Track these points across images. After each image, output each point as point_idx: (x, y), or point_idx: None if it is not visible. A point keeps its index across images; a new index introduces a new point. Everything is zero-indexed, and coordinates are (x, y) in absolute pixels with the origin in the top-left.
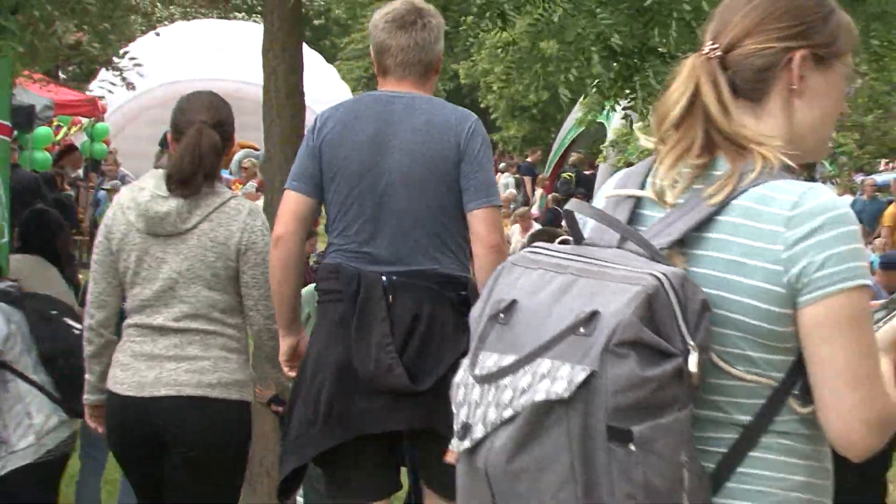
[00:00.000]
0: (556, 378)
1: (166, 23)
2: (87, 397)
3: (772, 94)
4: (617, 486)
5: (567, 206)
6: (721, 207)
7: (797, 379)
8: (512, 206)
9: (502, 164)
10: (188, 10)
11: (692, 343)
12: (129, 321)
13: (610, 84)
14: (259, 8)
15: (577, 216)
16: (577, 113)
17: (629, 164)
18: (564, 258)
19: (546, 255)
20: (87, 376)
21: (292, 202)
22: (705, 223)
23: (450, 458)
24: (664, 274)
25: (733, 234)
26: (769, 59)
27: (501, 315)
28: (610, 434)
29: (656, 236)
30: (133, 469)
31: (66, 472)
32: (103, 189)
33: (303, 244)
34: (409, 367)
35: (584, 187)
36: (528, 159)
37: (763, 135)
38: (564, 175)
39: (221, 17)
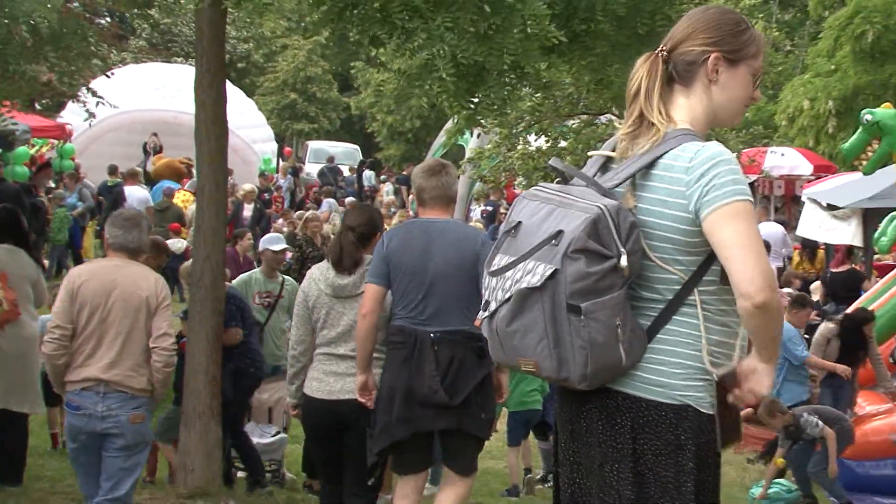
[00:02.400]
0: (534, 273)
1: (120, 65)
2: (290, 400)
3: (696, 81)
4: (574, 341)
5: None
6: (653, 162)
7: (704, 270)
8: (392, 210)
9: (383, 176)
10: (137, 55)
11: (623, 249)
12: (319, 350)
13: (456, 95)
14: (193, 54)
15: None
16: (442, 137)
17: (482, 177)
18: (553, 194)
19: (543, 191)
20: (290, 387)
21: (372, 291)
22: (644, 172)
23: (476, 323)
24: (605, 205)
25: (659, 182)
26: (693, 57)
27: (512, 230)
28: (568, 308)
29: (611, 179)
30: (319, 442)
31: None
32: (47, 197)
33: (378, 317)
34: (447, 389)
35: None
36: (405, 172)
37: (672, 115)
38: None
39: (164, 61)
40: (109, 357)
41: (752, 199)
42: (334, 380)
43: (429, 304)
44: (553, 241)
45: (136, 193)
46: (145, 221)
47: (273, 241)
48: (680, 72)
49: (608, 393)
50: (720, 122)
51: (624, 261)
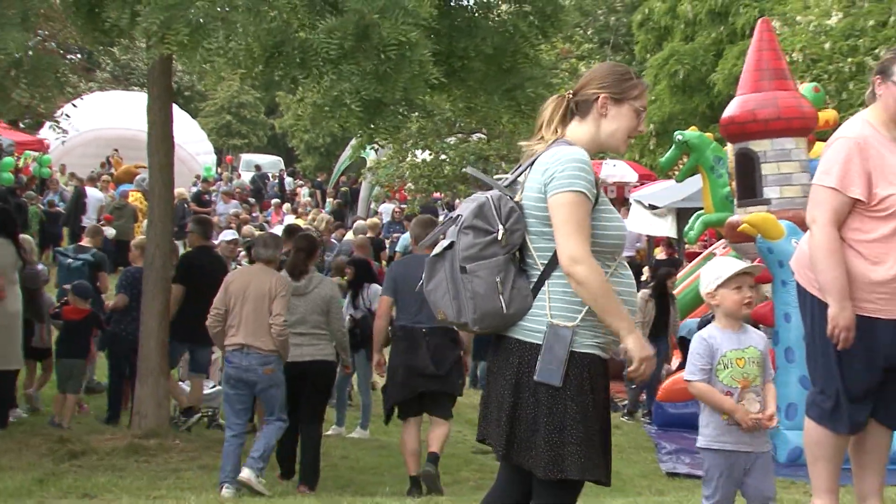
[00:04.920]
0: (441, 245)
1: (88, 93)
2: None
3: (590, 115)
4: (464, 293)
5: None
6: (532, 163)
7: None
8: (308, 209)
9: (300, 181)
10: (102, 84)
11: (501, 226)
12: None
13: (360, 122)
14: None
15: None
16: (348, 151)
17: (380, 183)
18: (477, 193)
19: (475, 193)
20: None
21: (385, 302)
22: (526, 172)
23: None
24: (490, 195)
25: (533, 174)
26: (588, 97)
27: (452, 219)
28: (461, 270)
29: (508, 178)
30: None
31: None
32: (24, 199)
33: (388, 319)
34: (435, 365)
35: (353, 195)
36: (319, 179)
37: (564, 134)
38: (343, 189)
39: (124, 90)
40: (248, 329)
41: (584, 190)
42: (294, 348)
43: (422, 311)
44: (455, 223)
45: (94, 195)
46: (280, 242)
47: (225, 235)
48: (579, 108)
49: (508, 340)
50: (608, 146)
51: (500, 234)
